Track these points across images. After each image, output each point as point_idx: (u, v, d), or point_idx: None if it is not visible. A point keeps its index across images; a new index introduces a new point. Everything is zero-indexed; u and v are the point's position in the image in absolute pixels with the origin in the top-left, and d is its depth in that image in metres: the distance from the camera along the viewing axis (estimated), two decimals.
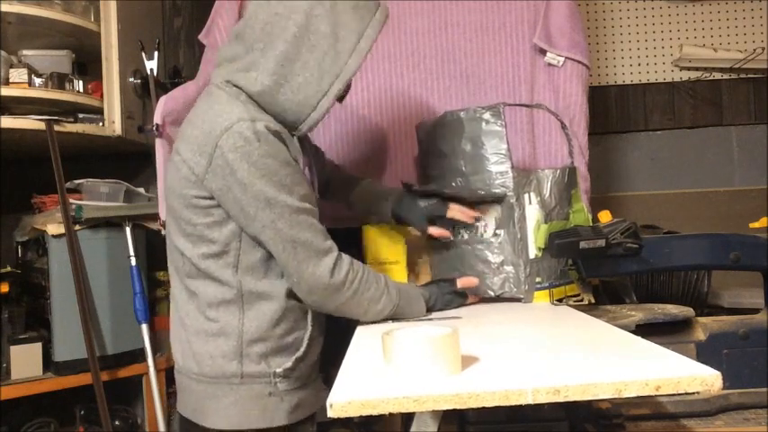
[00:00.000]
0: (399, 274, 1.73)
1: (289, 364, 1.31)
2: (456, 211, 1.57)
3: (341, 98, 1.40)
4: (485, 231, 1.61)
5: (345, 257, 1.29)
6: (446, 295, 1.49)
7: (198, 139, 1.22)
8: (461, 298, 1.52)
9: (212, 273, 1.27)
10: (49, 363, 2.06)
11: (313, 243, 1.24)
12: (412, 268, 1.82)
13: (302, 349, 1.33)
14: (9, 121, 1.99)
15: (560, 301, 1.56)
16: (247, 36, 1.26)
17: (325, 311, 1.33)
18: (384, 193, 1.66)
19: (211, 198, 1.23)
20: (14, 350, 2.00)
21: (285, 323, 1.31)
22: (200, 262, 1.27)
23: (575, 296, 1.58)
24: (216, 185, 1.22)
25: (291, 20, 1.23)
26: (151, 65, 2.29)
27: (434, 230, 1.59)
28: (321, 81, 1.25)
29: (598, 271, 1.59)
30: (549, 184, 1.58)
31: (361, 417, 0.83)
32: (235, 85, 1.27)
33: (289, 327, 1.32)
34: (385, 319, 1.36)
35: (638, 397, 0.87)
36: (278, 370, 1.30)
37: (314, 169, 1.48)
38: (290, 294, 1.29)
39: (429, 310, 1.45)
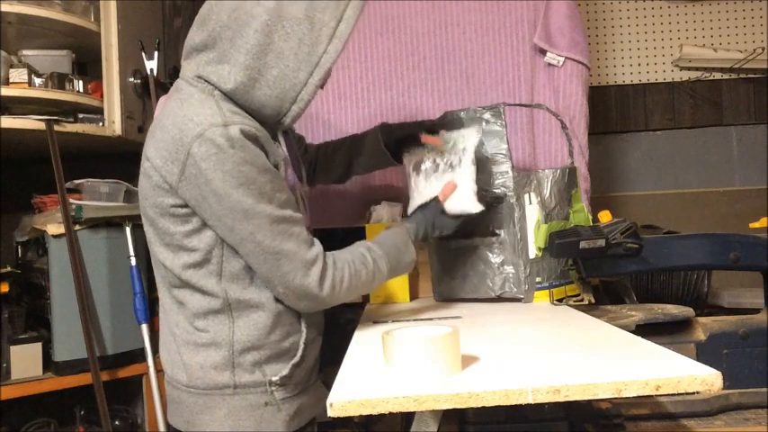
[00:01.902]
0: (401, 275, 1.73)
1: (285, 371, 1.24)
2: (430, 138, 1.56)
3: (321, 84, 1.31)
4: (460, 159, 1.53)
5: (329, 261, 1.22)
6: (437, 219, 1.44)
7: (168, 145, 1.14)
8: (454, 220, 1.46)
9: (195, 283, 1.20)
10: (49, 363, 2.06)
11: (297, 254, 1.17)
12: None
13: (299, 354, 1.26)
14: (9, 121, 1.98)
15: (560, 301, 1.56)
16: (213, 22, 1.17)
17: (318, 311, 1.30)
18: (366, 134, 1.64)
19: (187, 206, 1.16)
20: (14, 350, 2.00)
21: (279, 329, 1.24)
22: (182, 272, 1.20)
23: (575, 296, 1.58)
24: (190, 194, 1.14)
25: (261, 5, 1.14)
26: (151, 65, 2.29)
27: (427, 138, 1.55)
28: (298, 72, 1.16)
29: (598, 271, 1.58)
30: (549, 184, 1.58)
31: (361, 416, 0.82)
32: (207, 81, 1.18)
33: (284, 332, 1.25)
34: (387, 278, 1.35)
35: (638, 397, 0.87)
36: (274, 378, 1.23)
37: (301, 164, 1.43)
38: (280, 300, 1.23)
39: (424, 239, 1.43)
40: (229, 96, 1.18)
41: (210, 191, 1.12)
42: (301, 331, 1.27)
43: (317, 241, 1.23)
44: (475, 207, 1.45)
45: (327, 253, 1.24)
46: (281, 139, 1.27)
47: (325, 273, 1.20)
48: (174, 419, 1.30)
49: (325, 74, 1.19)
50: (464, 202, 1.46)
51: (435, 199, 1.46)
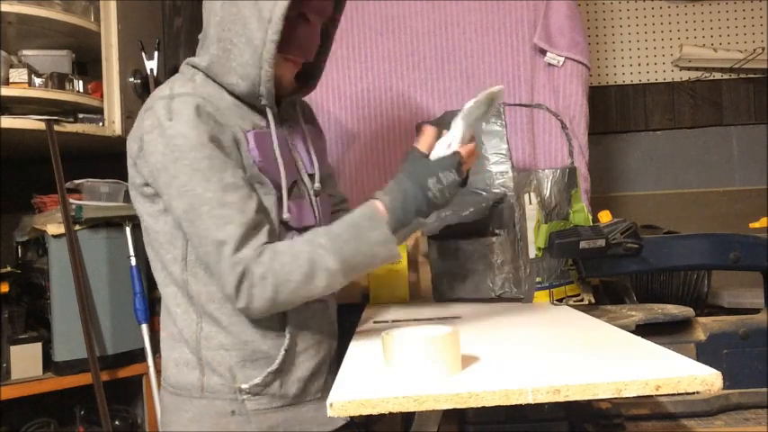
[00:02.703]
0: (400, 274, 1.73)
1: (258, 379, 1.14)
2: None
3: (280, 44, 1.18)
4: None
5: (253, 265, 1.06)
6: (419, 167, 1.12)
7: (136, 124, 1.15)
8: (449, 160, 1.12)
9: (167, 269, 1.15)
10: (49, 363, 2.06)
11: (225, 247, 1.05)
12: (413, 268, 1.82)
13: (278, 361, 1.15)
14: (9, 121, 1.98)
15: (560, 301, 1.56)
16: (204, 15, 1.19)
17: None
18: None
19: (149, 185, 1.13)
20: (14, 350, 2.00)
21: (251, 329, 1.14)
22: (156, 256, 1.17)
23: (575, 296, 1.58)
24: (146, 171, 1.11)
25: None
26: (151, 65, 2.28)
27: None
28: (257, 32, 1.11)
29: (598, 271, 1.58)
30: (549, 184, 1.58)
31: (361, 416, 0.82)
32: (193, 66, 1.19)
33: (258, 333, 1.15)
34: (344, 273, 1.08)
35: (638, 397, 0.86)
36: (243, 386, 1.14)
37: (313, 159, 1.28)
38: None
39: (428, 202, 1.10)
40: (209, 75, 1.17)
41: (154, 164, 1.09)
42: (284, 336, 1.16)
43: (259, 237, 1.08)
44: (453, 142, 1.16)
45: (263, 249, 1.07)
46: (272, 121, 1.17)
47: (243, 279, 1.06)
48: (160, 420, 1.28)
49: (277, 27, 1.10)
50: (444, 143, 1.17)
51: (412, 150, 1.18)
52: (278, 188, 1.17)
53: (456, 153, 1.12)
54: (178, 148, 1.07)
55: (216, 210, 1.06)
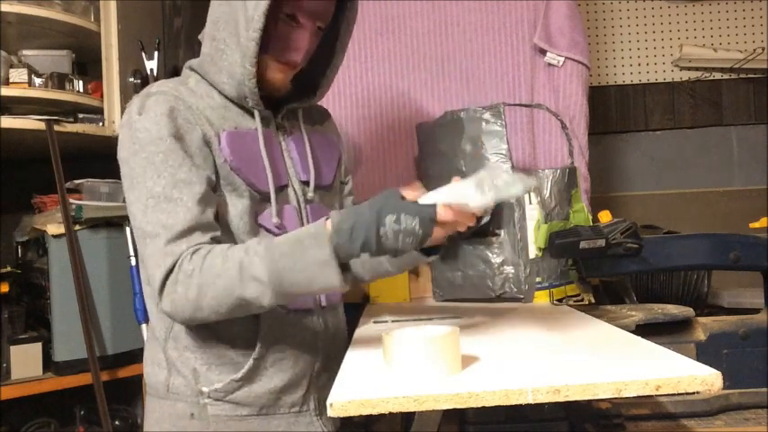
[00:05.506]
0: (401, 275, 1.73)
1: (219, 385, 1.10)
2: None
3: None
4: None
5: (185, 261, 1.00)
6: (390, 204, 0.94)
7: None
8: (426, 225, 0.93)
9: (142, 266, 1.11)
10: (49, 363, 2.06)
11: (157, 241, 1.01)
12: (413, 268, 1.82)
13: (244, 370, 1.10)
14: (9, 121, 1.98)
15: (560, 301, 1.56)
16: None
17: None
18: None
19: None
20: (14, 350, 2.00)
21: (219, 332, 1.10)
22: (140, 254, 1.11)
23: (575, 296, 1.58)
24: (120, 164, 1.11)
25: None
26: (151, 65, 2.29)
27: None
28: (243, 31, 1.09)
29: (598, 271, 1.59)
30: (549, 184, 1.58)
31: (361, 416, 0.82)
32: (189, 68, 1.20)
33: (227, 337, 1.11)
34: (274, 290, 0.97)
35: (638, 397, 0.86)
36: (205, 389, 1.10)
37: (310, 166, 1.22)
38: None
39: (360, 246, 0.94)
40: (204, 76, 1.17)
41: (121, 157, 1.10)
42: (255, 344, 1.11)
43: (198, 236, 1.03)
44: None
45: (199, 247, 1.02)
46: (258, 123, 1.15)
47: (170, 274, 1.01)
48: None
49: (257, 26, 1.07)
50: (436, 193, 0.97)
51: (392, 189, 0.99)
52: (257, 191, 1.13)
53: (432, 205, 0.93)
54: (139, 141, 1.06)
55: (162, 204, 1.03)
